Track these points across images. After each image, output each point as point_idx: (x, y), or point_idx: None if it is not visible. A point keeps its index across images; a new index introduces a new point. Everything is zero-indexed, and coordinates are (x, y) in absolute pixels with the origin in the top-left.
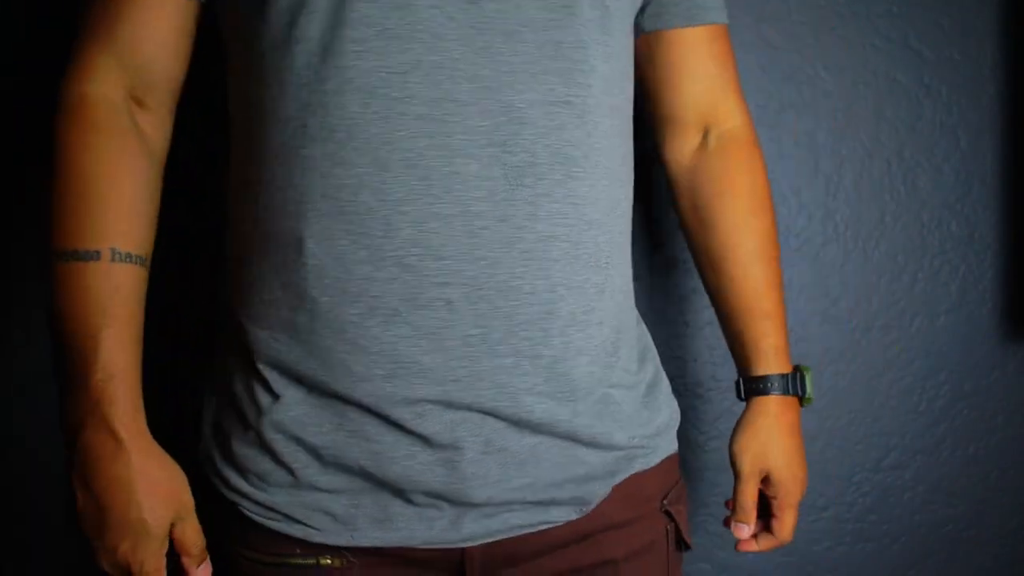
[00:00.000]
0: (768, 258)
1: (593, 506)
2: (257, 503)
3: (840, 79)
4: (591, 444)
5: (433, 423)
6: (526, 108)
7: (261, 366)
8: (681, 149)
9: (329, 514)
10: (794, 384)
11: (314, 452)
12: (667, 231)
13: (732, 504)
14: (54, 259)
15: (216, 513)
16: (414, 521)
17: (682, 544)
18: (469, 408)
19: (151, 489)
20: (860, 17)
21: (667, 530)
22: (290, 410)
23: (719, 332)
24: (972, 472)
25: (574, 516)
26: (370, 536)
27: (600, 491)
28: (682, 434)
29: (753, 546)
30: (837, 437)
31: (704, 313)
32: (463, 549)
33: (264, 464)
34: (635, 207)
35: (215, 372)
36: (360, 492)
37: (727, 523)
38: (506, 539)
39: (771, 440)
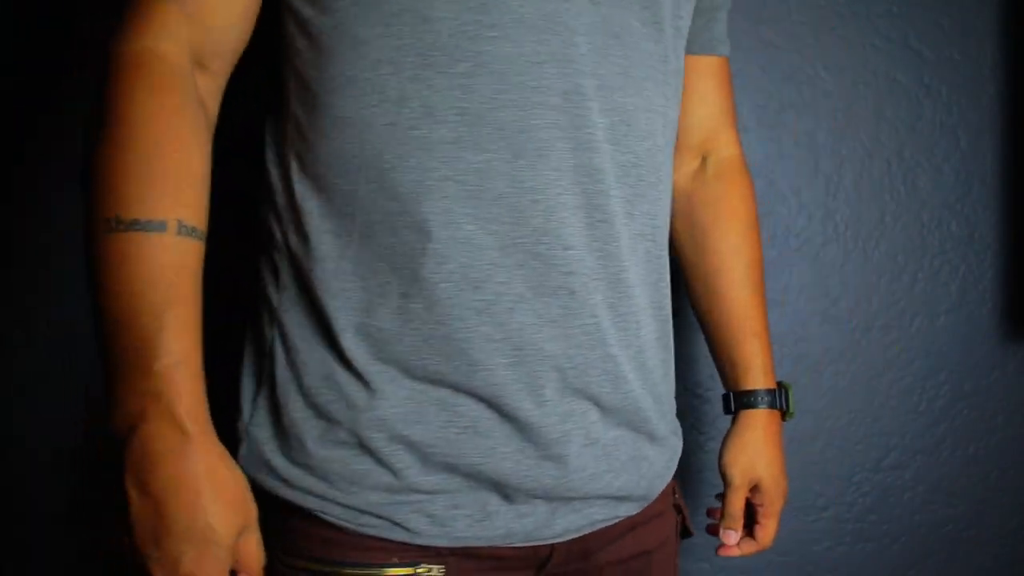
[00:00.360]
0: (757, 280)
1: (650, 502)
2: (347, 507)
3: (840, 79)
4: (652, 438)
5: (550, 413)
6: (632, 111)
7: (356, 357)
8: (679, 171)
9: (428, 516)
10: (780, 399)
11: (418, 451)
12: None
13: (720, 512)
14: (104, 228)
15: (271, 523)
16: (511, 518)
17: (685, 533)
18: (579, 395)
19: (219, 492)
20: (860, 17)
21: (676, 523)
22: (393, 406)
23: None
24: (972, 472)
25: (635, 511)
26: (469, 536)
27: (659, 488)
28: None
29: (735, 551)
30: (837, 437)
31: None
32: (553, 545)
33: (358, 465)
34: None
35: (269, 365)
36: (459, 492)
37: (710, 531)
38: (585, 534)
39: (760, 452)
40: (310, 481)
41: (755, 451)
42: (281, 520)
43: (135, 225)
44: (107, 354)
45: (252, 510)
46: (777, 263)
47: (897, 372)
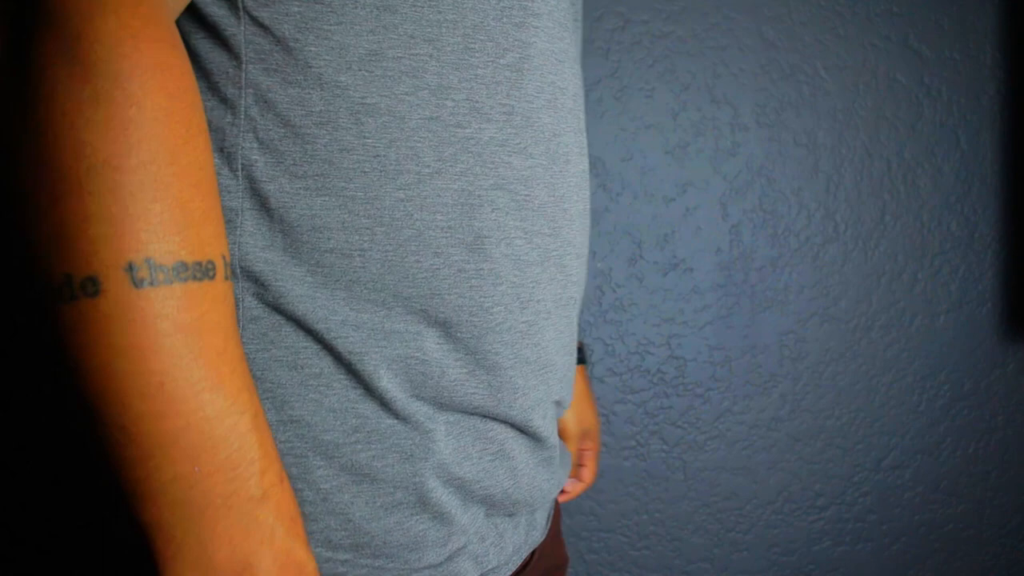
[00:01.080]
0: None
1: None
2: None
3: (840, 79)
4: (559, 431)
5: (549, 422)
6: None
7: (396, 398)
8: None
9: (473, 558)
10: (584, 354)
11: (464, 490)
12: (666, 232)
13: None
14: (121, 282)
15: None
16: (511, 532)
17: None
18: (553, 400)
19: None
20: (860, 17)
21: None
22: (444, 447)
23: (720, 332)
24: (972, 472)
25: (557, 495)
26: (497, 566)
27: (568, 475)
28: (682, 434)
29: (567, 496)
30: (837, 437)
31: (704, 313)
32: (535, 548)
33: (418, 526)
34: (636, 209)
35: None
36: (482, 520)
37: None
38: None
39: (585, 403)
40: (364, 565)
41: (581, 403)
42: None
43: (183, 272)
44: (154, 495)
45: None
46: (777, 263)
47: (897, 372)
